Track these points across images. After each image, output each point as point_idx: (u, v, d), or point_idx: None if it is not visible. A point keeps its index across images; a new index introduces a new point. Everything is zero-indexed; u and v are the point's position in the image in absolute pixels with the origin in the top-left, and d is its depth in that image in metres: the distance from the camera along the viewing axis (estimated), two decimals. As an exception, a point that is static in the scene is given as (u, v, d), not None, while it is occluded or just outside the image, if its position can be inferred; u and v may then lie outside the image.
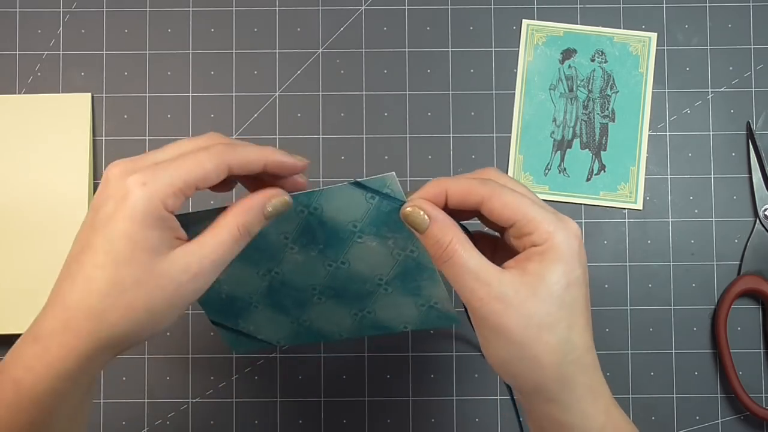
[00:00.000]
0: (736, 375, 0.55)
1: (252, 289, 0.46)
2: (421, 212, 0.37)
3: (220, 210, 0.39)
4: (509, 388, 0.56)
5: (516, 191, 0.37)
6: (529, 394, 0.38)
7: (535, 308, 0.35)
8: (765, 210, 0.57)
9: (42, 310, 0.36)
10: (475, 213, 0.39)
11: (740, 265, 0.57)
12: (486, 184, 0.37)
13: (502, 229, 0.39)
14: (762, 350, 0.57)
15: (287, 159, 0.39)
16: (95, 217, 0.35)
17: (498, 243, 0.41)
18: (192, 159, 0.36)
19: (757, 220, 0.57)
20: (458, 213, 0.39)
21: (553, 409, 0.37)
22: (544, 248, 0.36)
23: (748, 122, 0.58)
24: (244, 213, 0.38)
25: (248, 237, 0.38)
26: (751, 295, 0.57)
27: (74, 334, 0.35)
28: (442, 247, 0.37)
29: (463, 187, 0.37)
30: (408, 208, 0.38)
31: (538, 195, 0.39)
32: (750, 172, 0.58)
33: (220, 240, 0.37)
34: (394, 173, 0.38)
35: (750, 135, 0.58)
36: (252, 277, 0.45)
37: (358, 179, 0.39)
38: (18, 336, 0.56)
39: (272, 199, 0.38)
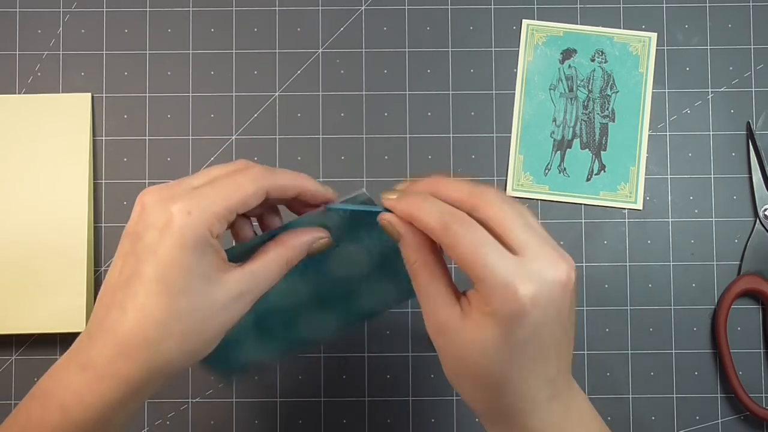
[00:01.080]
0: (736, 375, 0.55)
1: (238, 326, 0.45)
2: (393, 229, 0.38)
3: (264, 239, 0.39)
4: None
5: (476, 240, 0.34)
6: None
7: (469, 355, 0.35)
8: (765, 210, 0.57)
9: (86, 338, 0.36)
10: None
11: (740, 265, 0.57)
12: (449, 229, 0.35)
13: None
14: (762, 350, 0.57)
15: (321, 190, 0.39)
16: (137, 245, 0.35)
17: None
18: (232, 183, 0.36)
19: (757, 220, 0.57)
20: None
21: None
22: (487, 310, 0.34)
23: (748, 122, 0.58)
24: (294, 248, 0.39)
25: (289, 271, 0.39)
26: (751, 295, 0.57)
27: (129, 365, 0.35)
28: (409, 264, 0.37)
29: (430, 220, 0.35)
30: (383, 222, 0.38)
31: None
32: (750, 172, 0.58)
33: (270, 271, 0.38)
34: (364, 190, 0.38)
35: (750, 135, 0.58)
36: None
37: (330, 205, 0.39)
38: (15, 336, 0.57)
39: (319, 239, 0.39)
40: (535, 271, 0.34)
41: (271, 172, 0.38)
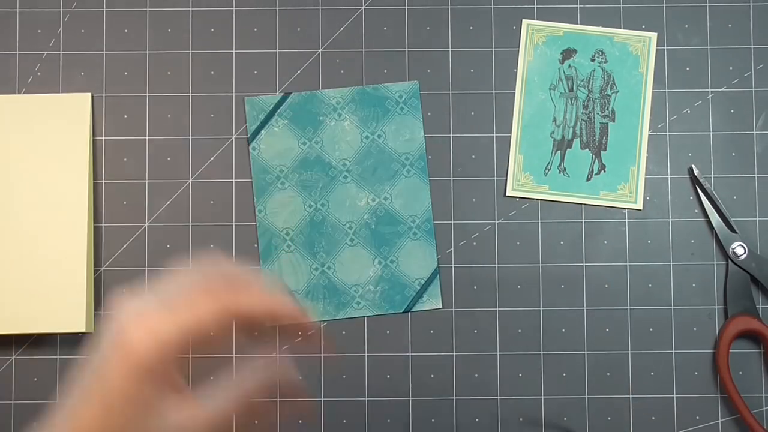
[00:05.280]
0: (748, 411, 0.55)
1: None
2: None
3: None
4: None
5: None
6: None
7: None
8: (733, 248, 0.57)
9: None
10: None
11: (725, 309, 0.57)
12: None
13: None
14: (764, 395, 0.57)
15: (302, 320, 0.39)
16: (95, 364, 0.35)
17: None
18: (189, 313, 0.36)
19: (729, 261, 0.57)
20: None
21: None
22: None
23: (690, 168, 0.57)
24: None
25: None
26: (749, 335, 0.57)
27: None
28: None
29: None
30: None
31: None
32: (707, 216, 0.57)
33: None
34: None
35: (695, 180, 0.57)
36: None
37: None
38: (15, 336, 0.57)
39: None
40: None
41: (235, 298, 0.37)
